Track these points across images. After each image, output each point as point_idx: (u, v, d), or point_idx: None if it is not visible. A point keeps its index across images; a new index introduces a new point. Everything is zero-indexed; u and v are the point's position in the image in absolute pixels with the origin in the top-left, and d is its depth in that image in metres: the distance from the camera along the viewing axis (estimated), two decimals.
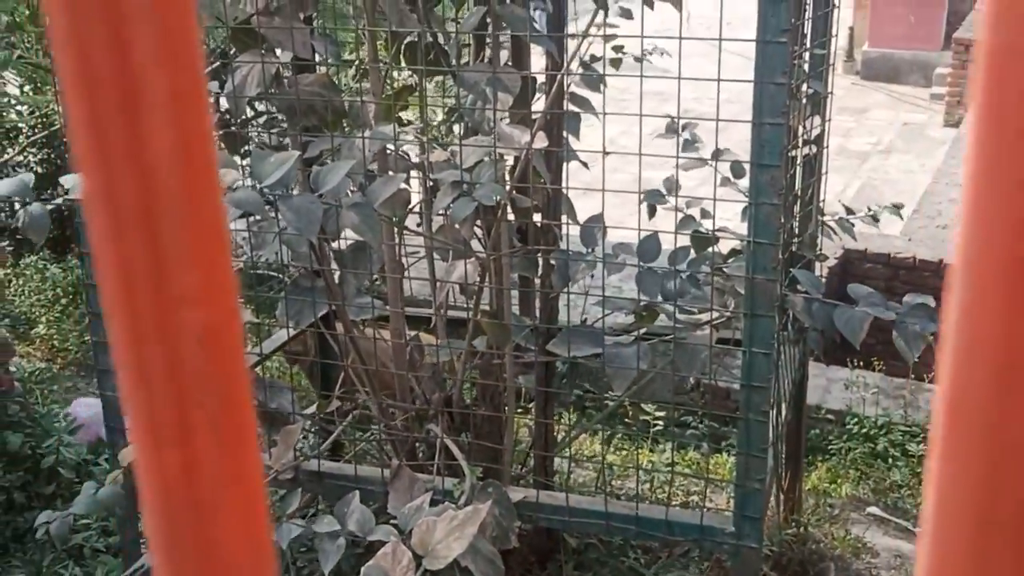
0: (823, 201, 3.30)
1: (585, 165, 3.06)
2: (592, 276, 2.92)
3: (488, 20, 2.63)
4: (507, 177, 2.72)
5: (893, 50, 13.87)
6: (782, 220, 2.48)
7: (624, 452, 4.54)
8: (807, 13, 2.91)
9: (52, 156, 6.40)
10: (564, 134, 2.90)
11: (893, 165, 10.79)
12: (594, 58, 3.20)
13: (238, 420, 0.33)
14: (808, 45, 2.97)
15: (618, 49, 3.46)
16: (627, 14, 3.06)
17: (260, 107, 3.18)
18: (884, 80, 13.81)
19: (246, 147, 3.04)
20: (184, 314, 0.31)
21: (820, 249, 3.28)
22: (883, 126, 12.16)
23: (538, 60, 3.33)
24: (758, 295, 2.38)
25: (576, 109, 3.01)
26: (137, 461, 0.33)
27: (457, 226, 2.63)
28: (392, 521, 2.36)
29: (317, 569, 2.67)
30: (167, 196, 0.30)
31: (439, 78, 3.49)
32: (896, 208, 3.66)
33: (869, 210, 3.61)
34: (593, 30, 2.77)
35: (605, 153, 2.49)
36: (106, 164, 0.30)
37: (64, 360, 5.45)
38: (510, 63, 2.87)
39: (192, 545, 0.34)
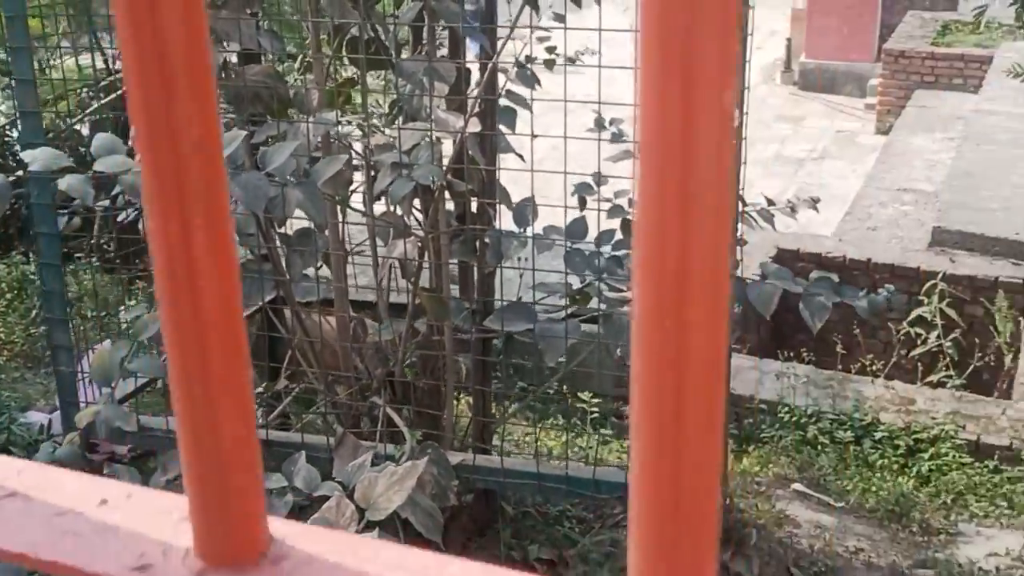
0: (742, 189, 3.51)
1: (521, 157, 3.24)
2: (525, 259, 3.11)
3: (425, 14, 2.81)
4: (445, 163, 2.89)
5: (829, 61, 14.20)
6: None
7: (561, 439, 4.72)
8: None
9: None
10: (497, 120, 3.08)
11: (827, 171, 11.14)
12: (528, 58, 3.39)
13: (219, 209, 0.49)
14: None
15: (551, 50, 3.65)
16: (560, 18, 3.26)
17: None
18: (821, 90, 14.15)
19: None
20: (184, 134, 0.48)
21: (741, 234, 3.50)
22: (818, 134, 12.51)
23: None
24: None
25: (508, 103, 3.19)
26: (151, 234, 0.49)
27: (396, 207, 2.80)
28: (337, 479, 2.52)
29: None
30: (180, 81, 0.47)
31: (381, 73, 3.66)
32: (813, 202, 3.90)
33: (788, 202, 3.84)
34: (525, 29, 2.96)
35: (533, 136, 2.68)
36: (144, 73, 0.46)
37: (11, 352, 5.53)
38: (447, 56, 3.05)
39: (186, 300, 0.50)
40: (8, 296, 5.76)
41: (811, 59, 14.27)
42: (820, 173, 11.00)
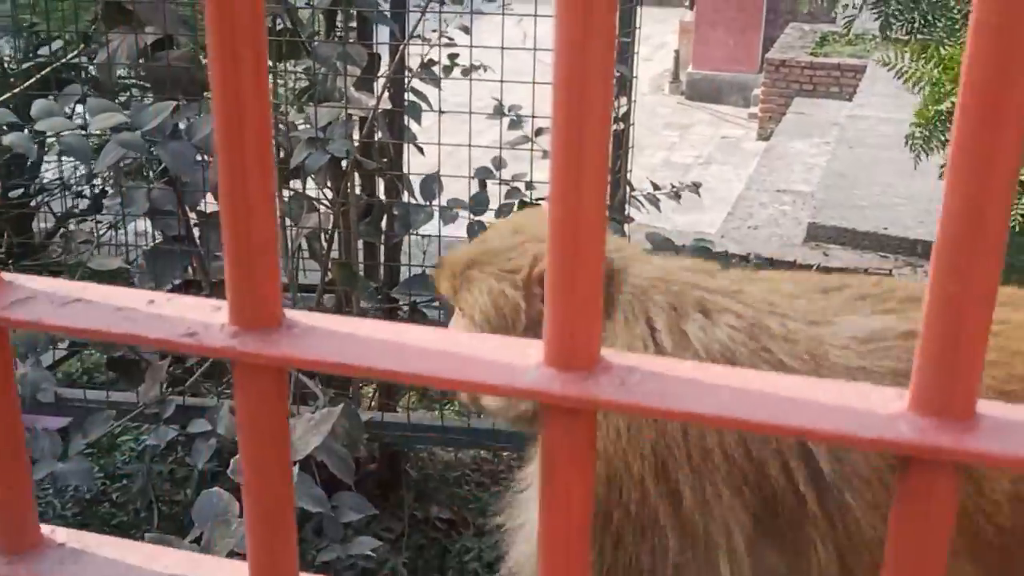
0: (631, 172, 3.81)
1: (420, 150, 3.47)
2: (429, 238, 3.34)
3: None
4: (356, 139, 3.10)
5: (715, 72, 14.74)
6: None
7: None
8: None
9: None
10: (405, 106, 3.31)
11: (712, 175, 11.62)
12: (432, 61, 3.63)
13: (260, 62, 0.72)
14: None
15: (453, 58, 3.91)
16: (465, 29, 3.53)
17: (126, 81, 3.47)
18: (708, 100, 14.71)
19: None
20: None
21: (628, 213, 3.79)
22: (704, 140, 13.04)
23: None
24: None
25: (414, 99, 3.43)
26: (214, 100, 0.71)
27: (312, 177, 3.00)
28: None
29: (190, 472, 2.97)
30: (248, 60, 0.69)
31: (292, 62, 3.85)
32: (695, 186, 4.23)
33: (672, 187, 4.16)
34: (432, 29, 3.20)
35: (440, 112, 2.92)
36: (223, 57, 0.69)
37: None
38: (356, 40, 3.26)
39: (235, 115, 0.71)
40: None
41: (698, 70, 14.82)
42: (706, 177, 11.48)
